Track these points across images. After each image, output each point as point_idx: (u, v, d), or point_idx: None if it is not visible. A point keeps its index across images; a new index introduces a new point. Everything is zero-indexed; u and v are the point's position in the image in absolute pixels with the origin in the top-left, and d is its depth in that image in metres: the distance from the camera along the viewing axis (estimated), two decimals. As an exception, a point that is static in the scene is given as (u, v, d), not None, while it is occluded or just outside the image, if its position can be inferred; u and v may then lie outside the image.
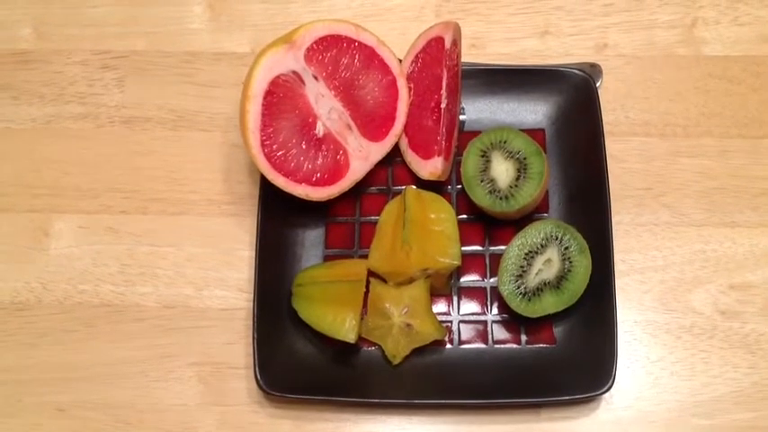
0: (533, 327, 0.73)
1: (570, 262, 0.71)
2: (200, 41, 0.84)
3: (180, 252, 0.77)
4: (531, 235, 0.71)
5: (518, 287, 0.71)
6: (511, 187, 0.72)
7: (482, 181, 0.73)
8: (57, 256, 0.77)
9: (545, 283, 0.71)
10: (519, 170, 0.73)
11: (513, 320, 0.73)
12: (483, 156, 0.74)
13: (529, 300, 0.71)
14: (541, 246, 0.71)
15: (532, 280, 0.71)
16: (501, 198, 0.73)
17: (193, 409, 0.72)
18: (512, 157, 0.73)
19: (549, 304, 0.70)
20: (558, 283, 0.70)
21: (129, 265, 0.77)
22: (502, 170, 0.73)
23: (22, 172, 0.80)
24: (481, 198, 0.73)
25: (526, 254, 0.71)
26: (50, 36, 0.85)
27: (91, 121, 0.82)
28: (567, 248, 0.71)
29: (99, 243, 0.78)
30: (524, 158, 0.73)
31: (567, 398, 0.69)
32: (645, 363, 0.73)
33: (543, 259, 0.71)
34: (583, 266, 0.70)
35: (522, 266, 0.71)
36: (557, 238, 0.71)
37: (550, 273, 0.71)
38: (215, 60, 0.84)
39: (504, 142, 0.73)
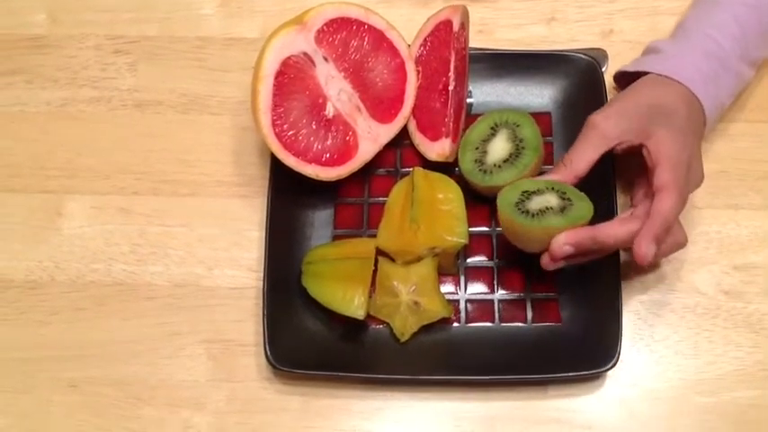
0: (539, 305, 0.74)
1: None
2: (211, 27, 0.86)
3: (191, 232, 0.78)
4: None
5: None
6: (495, 165, 0.74)
7: (477, 148, 0.75)
8: (69, 236, 0.79)
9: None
10: (511, 155, 0.74)
11: (519, 299, 0.74)
12: (492, 128, 0.75)
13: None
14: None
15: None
16: (480, 170, 0.74)
17: (203, 385, 0.73)
18: (513, 141, 0.74)
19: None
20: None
21: (140, 245, 0.78)
22: (498, 148, 0.74)
23: (36, 154, 0.82)
24: (466, 162, 0.75)
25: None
26: (64, 21, 0.86)
27: (104, 105, 0.83)
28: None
29: (111, 223, 0.79)
30: (522, 148, 0.74)
31: (573, 374, 0.71)
32: (649, 341, 0.73)
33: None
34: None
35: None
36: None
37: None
38: (225, 46, 0.85)
39: (517, 126, 0.75)
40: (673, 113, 0.70)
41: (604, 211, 0.72)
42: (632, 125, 0.70)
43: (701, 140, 0.72)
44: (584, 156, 0.71)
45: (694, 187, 0.71)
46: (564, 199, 0.71)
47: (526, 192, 0.71)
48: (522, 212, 0.69)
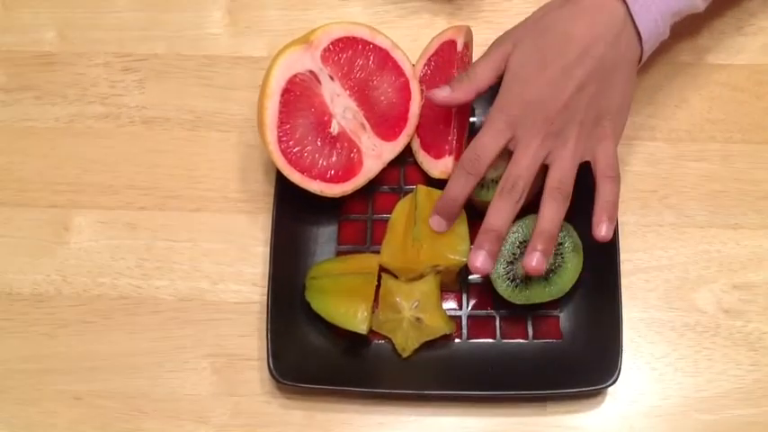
0: (540, 322, 0.74)
1: (562, 257, 0.72)
2: (219, 46, 0.87)
3: (196, 247, 0.79)
4: (528, 226, 0.73)
5: (507, 273, 0.73)
6: (492, 181, 0.74)
7: None
8: (76, 250, 0.79)
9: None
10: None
11: (520, 316, 0.75)
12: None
13: (516, 286, 0.73)
14: None
15: (523, 268, 0.73)
16: (478, 184, 0.75)
17: (207, 399, 0.74)
18: None
19: (536, 294, 0.72)
20: (547, 275, 0.72)
21: (146, 260, 0.79)
22: (501, 163, 0.75)
23: (44, 169, 0.83)
24: None
25: (521, 243, 0.73)
26: (74, 39, 0.88)
27: (112, 121, 0.84)
28: (560, 244, 0.73)
29: (117, 238, 0.80)
30: None
31: (573, 391, 0.71)
32: (649, 359, 0.74)
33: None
34: (573, 264, 0.72)
35: (514, 254, 0.73)
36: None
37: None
38: (233, 64, 0.86)
39: None
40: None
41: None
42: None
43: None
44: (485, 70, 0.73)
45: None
46: (557, 254, 0.72)
47: (523, 243, 0.72)
48: (508, 279, 0.72)
